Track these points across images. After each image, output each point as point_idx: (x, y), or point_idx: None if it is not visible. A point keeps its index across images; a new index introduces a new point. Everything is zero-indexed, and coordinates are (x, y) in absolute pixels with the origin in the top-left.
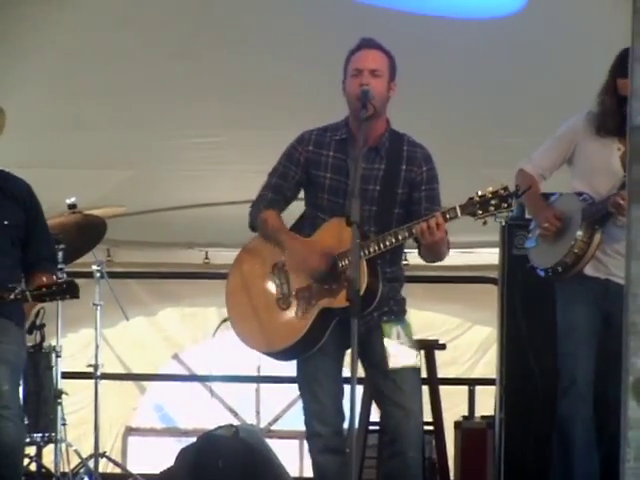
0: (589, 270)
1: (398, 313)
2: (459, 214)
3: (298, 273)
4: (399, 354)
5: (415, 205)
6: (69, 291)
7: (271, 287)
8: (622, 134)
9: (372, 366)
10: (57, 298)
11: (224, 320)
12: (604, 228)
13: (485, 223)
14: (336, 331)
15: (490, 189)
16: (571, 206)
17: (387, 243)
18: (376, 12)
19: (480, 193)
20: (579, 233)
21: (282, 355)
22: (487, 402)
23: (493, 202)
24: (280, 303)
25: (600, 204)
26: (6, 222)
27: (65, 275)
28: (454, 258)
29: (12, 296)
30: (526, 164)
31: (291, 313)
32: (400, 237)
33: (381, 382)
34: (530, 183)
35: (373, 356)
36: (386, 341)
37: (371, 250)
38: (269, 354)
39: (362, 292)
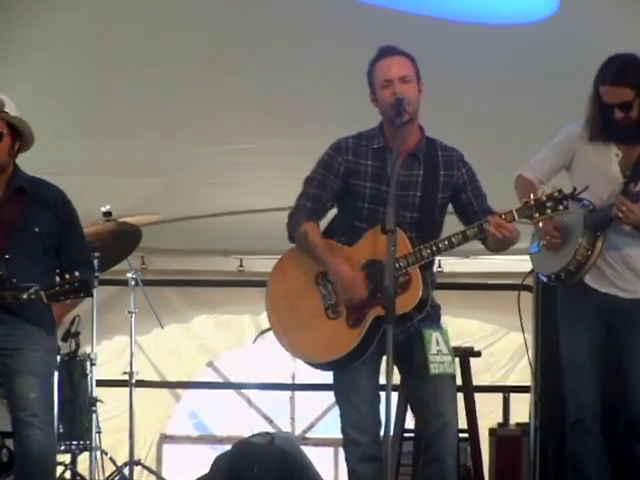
0: (589, 280)
1: (435, 320)
2: (516, 217)
3: None
4: (439, 361)
5: (467, 206)
6: (82, 289)
7: (317, 297)
8: (615, 140)
9: (411, 373)
10: (71, 297)
11: (265, 330)
12: (605, 235)
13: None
14: None
15: (544, 192)
16: (572, 213)
17: (454, 242)
18: (408, 20)
19: (534, 197)
20: (581, 240)
21: (331, 365)
22: (522, 409)
23: (549, 204)
24: (329, 313)
25: (602, 211)
26: (37, 229)
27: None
28: (488, 265)
29: (26, 296)
30: (525, 170)
31: (341, 322)
32: (470, 234)
33: (420, 389)
34: (530, 189)
35: (412, 363)
36: (426, 348)
37: (432, 251)
38: (318, 365)
39: (418, 299)
